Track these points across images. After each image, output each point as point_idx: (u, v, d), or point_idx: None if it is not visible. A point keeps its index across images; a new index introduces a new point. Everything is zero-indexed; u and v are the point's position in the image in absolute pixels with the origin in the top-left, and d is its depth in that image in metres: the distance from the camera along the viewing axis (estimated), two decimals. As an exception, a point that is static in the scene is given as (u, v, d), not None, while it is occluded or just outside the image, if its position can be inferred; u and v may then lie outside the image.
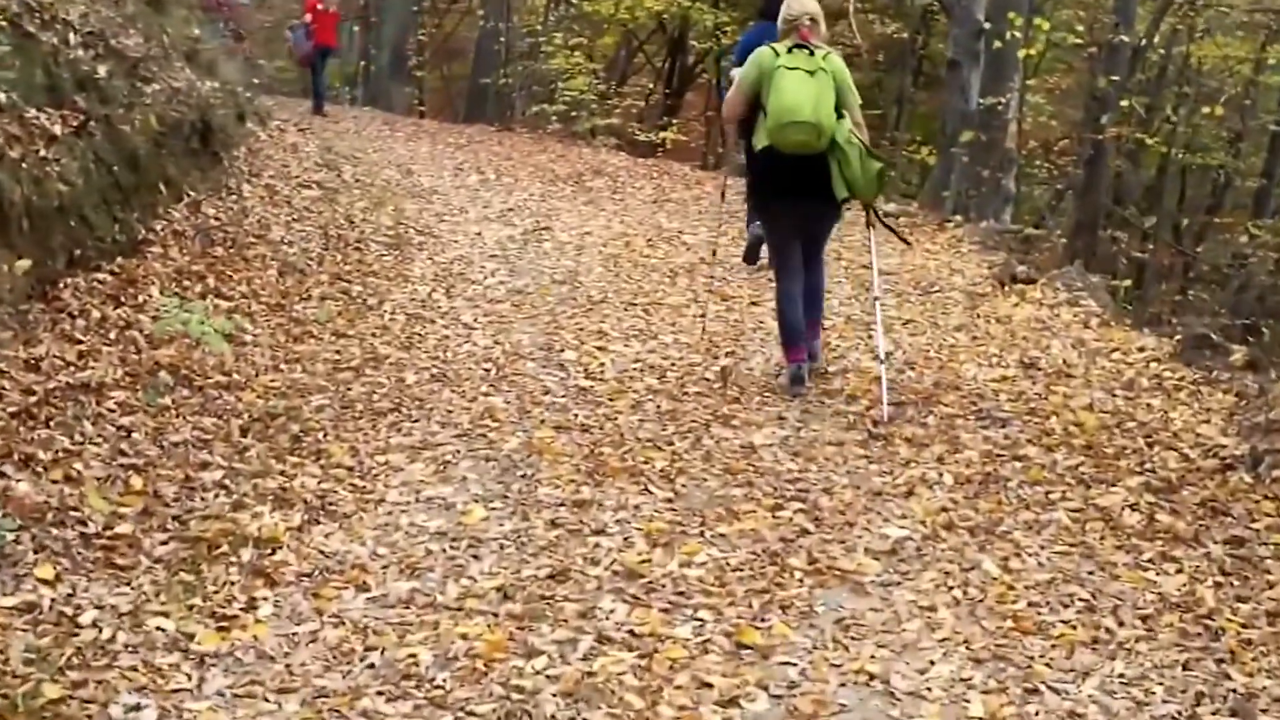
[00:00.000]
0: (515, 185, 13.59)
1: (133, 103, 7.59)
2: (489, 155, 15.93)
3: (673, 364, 7.03)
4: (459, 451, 5.61)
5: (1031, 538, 4.84)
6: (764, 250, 8.66)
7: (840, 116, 6.33)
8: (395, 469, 5.40)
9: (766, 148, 6.40)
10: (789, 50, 6.33)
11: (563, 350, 7.26)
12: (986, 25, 13.26)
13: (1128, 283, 12.54)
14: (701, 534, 4.79)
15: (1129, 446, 5.85)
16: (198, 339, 5.97)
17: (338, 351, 6.98)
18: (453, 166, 14.62)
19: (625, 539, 4.72)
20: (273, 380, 6.31)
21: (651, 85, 26.20)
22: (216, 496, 4.98)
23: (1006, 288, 9.54)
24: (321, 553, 4.57)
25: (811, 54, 6.30)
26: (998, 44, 12.89)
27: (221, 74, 10.71)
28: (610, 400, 6.37)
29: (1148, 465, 5.62)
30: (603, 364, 6.99)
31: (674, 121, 21.44)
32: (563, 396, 6.42)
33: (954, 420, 6.19)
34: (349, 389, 6.37)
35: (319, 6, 17.44)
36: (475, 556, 4.56)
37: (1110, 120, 13.42)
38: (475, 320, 7.91)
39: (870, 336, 7.77)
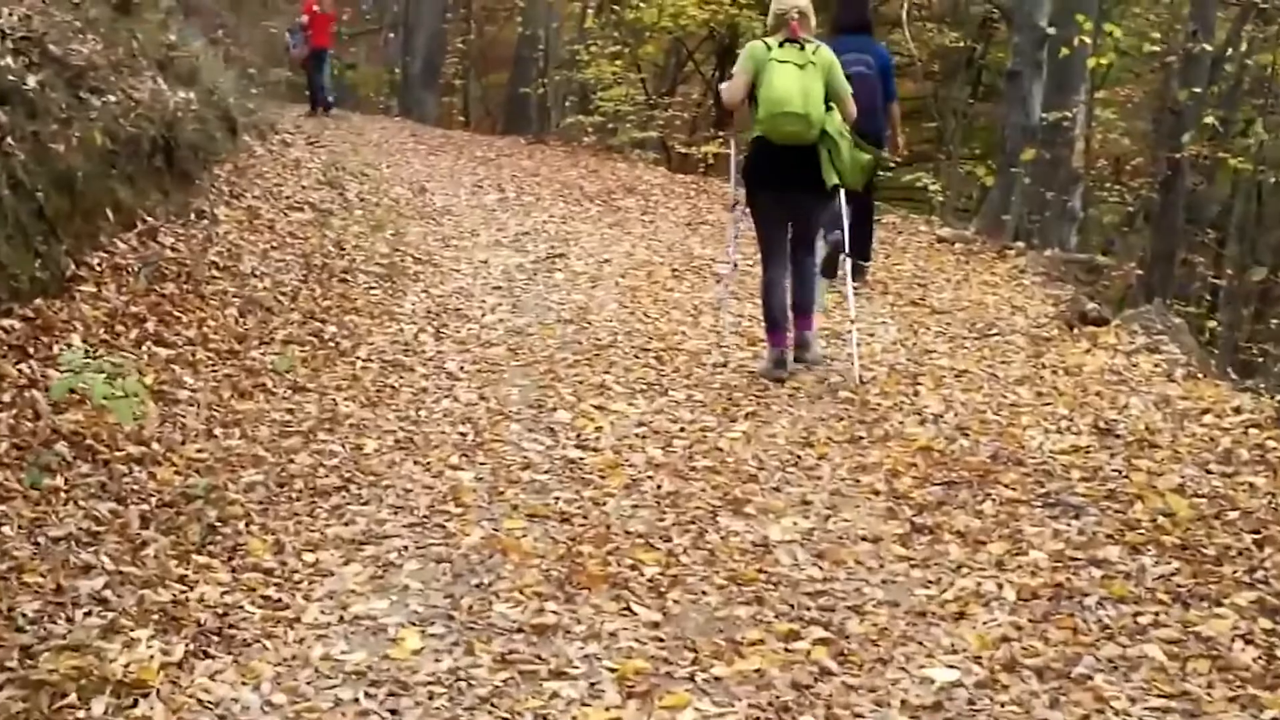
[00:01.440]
0: (536, 205, 12.59)
1: (71, 117, 6.64)
2: (514, 171, 14.96)
3: (682, 429, 5.98)
4: (406, 548, 4.58)
5: (1118, 684, 3.75)
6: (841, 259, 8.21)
7: (829, 109, 6.61)
8: (323, 573, 4.38)
9: (758, 138, 6.69)
10: (780, 45, 6.59)
11: (555, 409, 6.22)
12: (1051, 30, 12.10)
13: (1212, 323, 11.32)
14: (691, 677, 3.73)
15: (1233, 546, 4.73)
16: (102, 403, 4.96)
17: (290, 410, 5.98)
18: (472, 183, 13.65)
19: (592, 684, 3.67)
20: (200, 450, 5.30)
21: (700, 95, 25.06)
22: (89, 614, 3.98)
23: (1076, 330, 8.42)
24: (200, 702, 3.55)
25: (802, 48, 6.57)
26: (1065, 51, 11.73)
27: (206, 83, 9.76)
28: (601, 477, 5.32)
29: (1258, 573, 4.50)
30: (599, 428, 5.95)
31: (721, 134, 20.32)
32: (545, 472, 5.38)
33: (1016, 507, 5.10)
34: (292, 461, 5.36)
35: (315, 8, 17.16)
36: (393, 711, 3.52)
37: (1192, 138, 12.23)
38: (462, 369, 6.90)
39: (917, 394, 6.69)
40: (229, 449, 5.37)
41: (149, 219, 7.30)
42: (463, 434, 5.83)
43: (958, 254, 11.24)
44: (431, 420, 6.02)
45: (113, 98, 7.34)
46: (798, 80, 6.45)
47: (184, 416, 5.57)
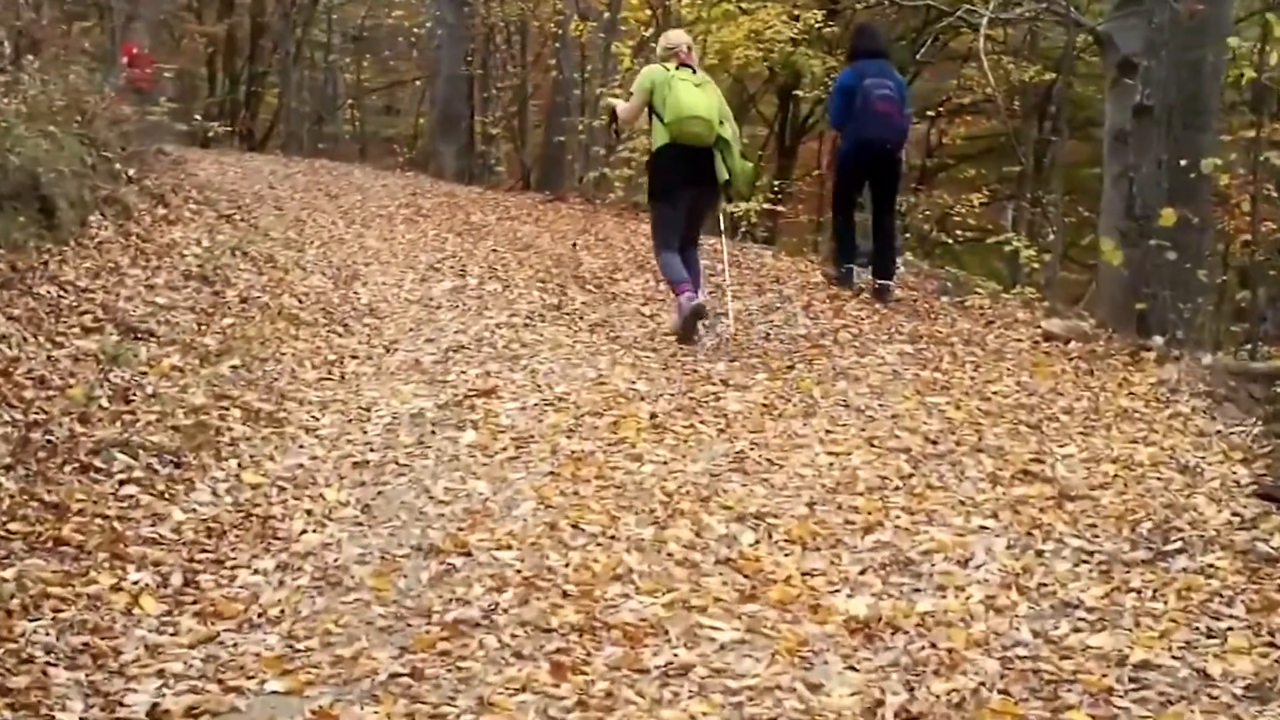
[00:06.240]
0: (501, 295, 9.18)
1: None
2: (500, 243, 11.59)
3: None
4: None
5: None
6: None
7: (721, 123, 7.76)
8: None
9: (667, 143, 7.77)
10: (677, 68, 7.82)
11: None
12: (1210, 58, 8.52)
13: None
14: None
15: None
16: None
17: None
18: (430, 264, 10.29)
19: None
20: None
21: (762, 140, 21.61)
22: None
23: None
24: None
25: (694, 72, 7.90)
26: (1243, 74, 8.21)
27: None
28: None
29: None
30: None
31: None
32: None
33: None
34: None
35: (134, 50, 16.43)
36: None
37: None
38: (154, 713, 3.47)
39: None
40: None
41: None
42: None
43: (1074, 359, 7.69)
44: None
45: None
46: (698, 93, 7.64)
47: None
